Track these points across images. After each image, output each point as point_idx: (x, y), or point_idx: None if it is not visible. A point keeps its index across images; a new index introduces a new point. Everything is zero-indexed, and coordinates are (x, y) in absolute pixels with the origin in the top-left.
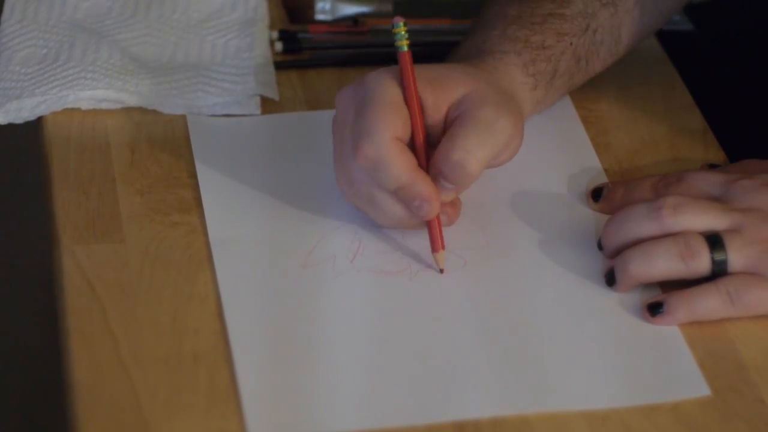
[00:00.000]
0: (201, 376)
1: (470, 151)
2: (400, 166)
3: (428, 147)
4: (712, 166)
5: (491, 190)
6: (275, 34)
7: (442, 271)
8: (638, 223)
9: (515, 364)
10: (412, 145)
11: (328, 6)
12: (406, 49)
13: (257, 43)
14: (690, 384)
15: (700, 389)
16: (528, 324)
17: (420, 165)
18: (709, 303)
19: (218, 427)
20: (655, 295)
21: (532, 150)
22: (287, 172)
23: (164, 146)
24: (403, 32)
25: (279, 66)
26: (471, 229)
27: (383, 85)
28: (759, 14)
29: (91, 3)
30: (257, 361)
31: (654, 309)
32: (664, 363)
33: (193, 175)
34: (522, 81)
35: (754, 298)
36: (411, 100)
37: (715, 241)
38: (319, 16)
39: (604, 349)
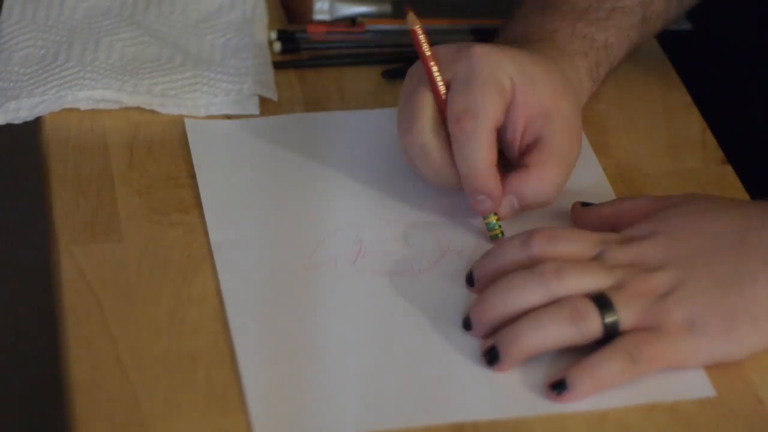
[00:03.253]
0: (199, 375)
1: (556, 184)
2: (486, 156)
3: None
4: (584, 205)
5: None
6: (274, 34)
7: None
8: (521, 292)
9: (517, 367)
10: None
11: (326, 6)
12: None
13: (256, 43)
14: (694, 385)
15: (705, 391)
16: None
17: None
18: (612, 367)
19: (216, 427)
20: (554, 374)
21: None
22: (287, 173)
23: (163, 146)
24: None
25: (278, 66)
26: (471, 230)
27: (493, 69)
28: (758, 14)
29: (89, 3)
30: (261, 363)
31: (557, 388)
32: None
33: (192, 175)
34: (587, 86)
35: (656, 352)
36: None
37: (603, 303)
38: (318, 16)
39: None
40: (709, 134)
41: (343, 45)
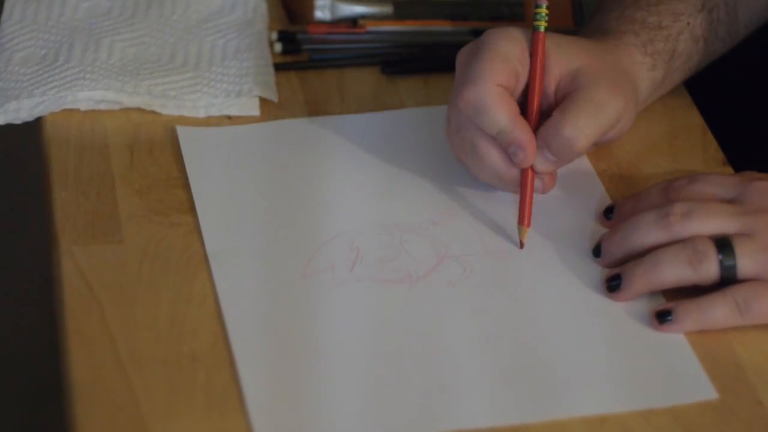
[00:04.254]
0: (199, 376)
1: (581, 128)
2: (501, 109)
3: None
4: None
5: (488, 198)
6: (275, 35)
7: (522, 245)
8: (646, 231)
9: (517, 372)
10: (524, 112)
11: (327, 6)
12: (542, 29)
13: (256, 43)
14: (697, 388)
15: (707, 393)
16: (530, 332)
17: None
18: (717, 312)
19: (216, 428)
20: (663, 303)
21: None
22: (281, 180)
23: (163, 147)
24: (544, 14)
25: (278, 68)
26: (470, 237)
27: (499, 40)
28: None
29: (90, 3)
30: (260, 372)
31: (662, 316)
32: (670, 368)
33: None
34: (640, 60)
35: (763, 308)
36: (534, 77)
37: (723, 245)
38: (318, 15)
39: (609, 355)
40: (710, 135)
41: (344, 46)
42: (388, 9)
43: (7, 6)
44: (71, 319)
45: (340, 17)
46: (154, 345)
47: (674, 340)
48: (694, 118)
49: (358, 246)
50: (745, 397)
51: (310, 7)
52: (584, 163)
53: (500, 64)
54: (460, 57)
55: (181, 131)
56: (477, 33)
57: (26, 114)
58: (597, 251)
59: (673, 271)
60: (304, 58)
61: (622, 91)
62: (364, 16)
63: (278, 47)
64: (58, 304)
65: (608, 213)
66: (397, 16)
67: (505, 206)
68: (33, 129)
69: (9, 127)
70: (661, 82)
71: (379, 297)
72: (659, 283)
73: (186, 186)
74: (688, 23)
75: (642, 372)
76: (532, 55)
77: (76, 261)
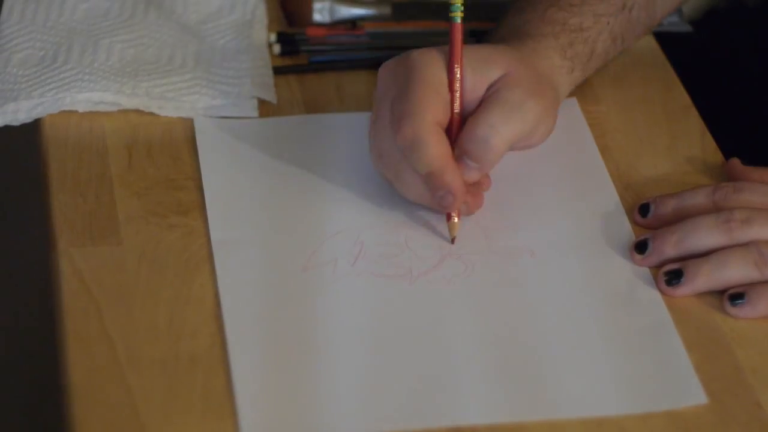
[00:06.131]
0: (197, 378)
1: (494, 126)
2: (435, 152)
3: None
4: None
5: (492, 194)
6: (273, 37)
7: (453, 240)
8: (706, 234)
9: (515, 371)
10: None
11: (326, 8)
12: (459, 21)
13: (255, 45)
14: (687, 392)
15: (698, 398)
16: (528, 330)
17: (453, 140)
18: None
19: (214, 429)
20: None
21: (533, 153)
22: (291, 174)
23: (162, 148)
24: (459, 4)
25: (277, 72)
26: (472, 234)
27: (428, 66)
28: (756, 15)
29: (89, 4)
30: (254, 364)
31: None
32: (662, 371)
33: (191, 177)
34: (559, 65)
35: None
36: (452, 75)
37: None
38: (317, 17)
39: (604, 356)
40: (708, 136)
41: (342, 48)
42: (386, 11)
43: (5, 7)
44: (69, 320)
45: (338, 19)
46: (152, 346)
47: (668, 342)
48: (694, 120)
49: (363, 240)
50: (743, 399)
51: (309, 9)
52: (597, 162)
53: (433, 96)
54: (385, 73)
55: (198, 121)
56: (475, 34)
57: (24, 115)
58: (642, 247)
59: (740, 271)
60: (303, 60)
61: (542, 94)
62: (362, 18)
63: (277, 49)
64: (56, 305)
65: (644, 211)
66: (396, 17)
67: (509, 206)
68: (31, 130)
69: (7, 129)
70: (578, 82)
71: (378, 292)
72: (724, 282)
73: (184, 187)
74: (608, 23)
75: (637, 375)
76: (451, 50)
77: (74, 262)
